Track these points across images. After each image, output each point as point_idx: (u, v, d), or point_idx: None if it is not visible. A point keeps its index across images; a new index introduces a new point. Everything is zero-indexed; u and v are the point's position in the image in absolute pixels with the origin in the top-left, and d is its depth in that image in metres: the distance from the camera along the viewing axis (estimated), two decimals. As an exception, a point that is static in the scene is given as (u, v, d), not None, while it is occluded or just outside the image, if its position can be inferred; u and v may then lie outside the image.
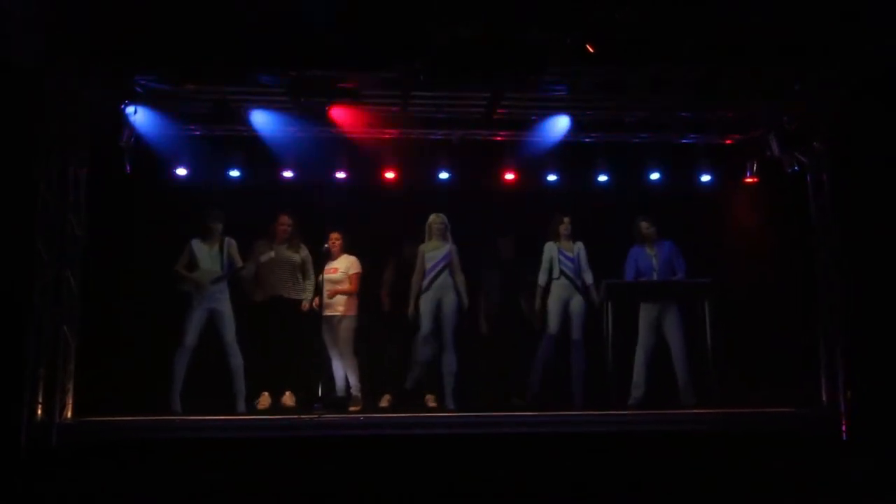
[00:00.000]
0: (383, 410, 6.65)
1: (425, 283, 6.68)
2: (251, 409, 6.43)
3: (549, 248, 6.90)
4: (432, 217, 6.78)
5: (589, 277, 6.85)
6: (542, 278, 6.84)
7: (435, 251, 6.71)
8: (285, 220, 6.77)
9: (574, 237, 6.92)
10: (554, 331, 6.76)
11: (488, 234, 7.29)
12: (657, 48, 5.54)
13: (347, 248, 6.85)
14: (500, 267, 7.10)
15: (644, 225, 6.94)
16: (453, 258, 6.72)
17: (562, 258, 6.84)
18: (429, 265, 6.69)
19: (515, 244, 7.15)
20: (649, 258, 6.91)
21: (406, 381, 6.68)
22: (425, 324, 6.61)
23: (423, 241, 6.82)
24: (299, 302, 6.76)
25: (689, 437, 5.77)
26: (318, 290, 6.73)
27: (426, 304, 6.64)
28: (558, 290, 6.81)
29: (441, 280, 6.65)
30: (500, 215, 7.45)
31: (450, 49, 5.31)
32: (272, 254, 6.56)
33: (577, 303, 6.80)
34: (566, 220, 6.91)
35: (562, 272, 6.82)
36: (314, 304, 6.76)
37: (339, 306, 6.73)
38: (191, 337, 6.31)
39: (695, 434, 5.81)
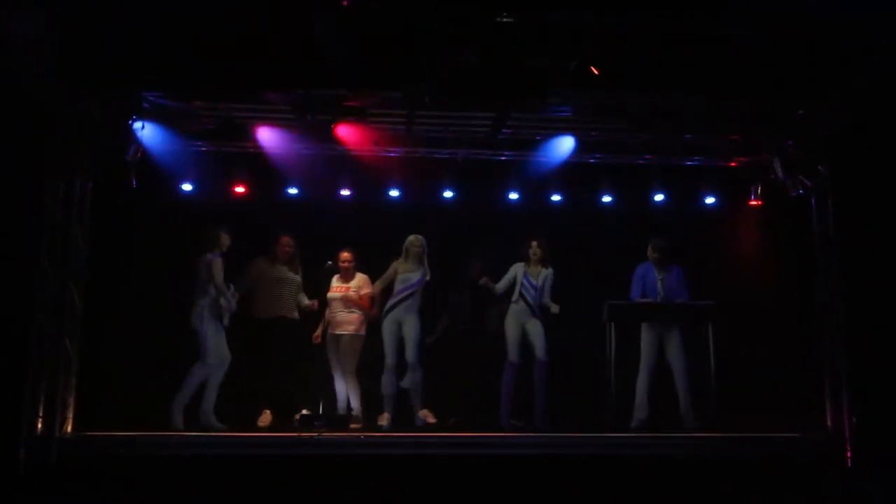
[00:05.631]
0: (381, 429, 6.61)
1: (391, 302, 6.67)
2: (253, 426, 6.40)
3: (516, 268, 6.85)
4: (411, 238, 6.76)
5: (555, 309, 6.78)
6: (500, 286, 6.80)
7: (410, 274, 6.69)
8: (287, 241, 6.78)
9: (545, 262, 6.86)
10: (514, 358, 6.72)
11: (489, 253, 7.28)
12: (659, 76, 5.57)
13: (359, 267, 6.84)
14: (469, 288, 7.07)
15: (650, 248, 6.92)
16: (425, 283, 6.70)
17: (525, 282, 6.79)
18: (400, 286, 6.67)
19: (482, 265, 7.09)
20: (656, 280, 6.88)
21: (379, 420, 6.60)
22: (389, 356, 6.60)
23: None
24: (298, 321, 6.76)
25: (691, 462, 5.72)
26: (325, 307, 6.78)
27: (388, 332, 6.63)
28: (515, 314, 6.77)
29: (408, 304, 6.64)
30: (502, 234, 7.44)
31: (453, 73, 5.35)
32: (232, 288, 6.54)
33: (532, 326, 6.75)
34: (534, 243, 6.86)
35: (521, 296, 6.77)
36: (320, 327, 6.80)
37: (347, 325, 6.72)
38: (226, 352, 6.36)
39: (697, 458, 5.76)
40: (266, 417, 6.52)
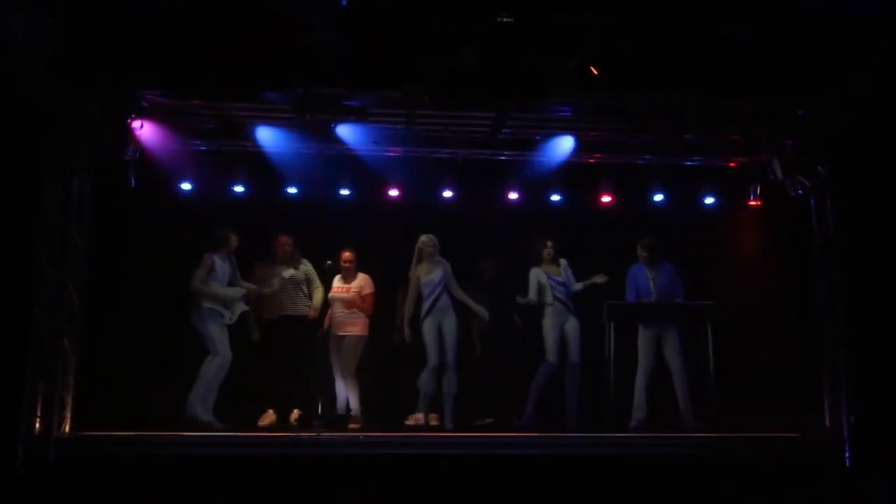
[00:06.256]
0: (382, 430, 6.61)
1: (426, 306, 6.59)
2: (252, 426, 6.39)
3: (537, 274, 6.84)
4: (423, 239, 6.70)
5: (601, 278, 6.81)
6: (532, 297, 6.81)
7: (431, 274, 6.62)
8: (285, 240, 6.78)
9: (557, 258, 6.88)
10: (553, 358, 6.73)
11: (490, 252, 7.28)
12: (659, 76, 5.57)
13: (360, 267, 6.83)
14: (484, 288, 7.05)
15: (639, 248, 6.93)
16: (450, 278, 6.65)
17: (552, 283, 6.81)
18: (426, 290, 6.60)
19: (496, 265, 7.13)
20: (647, 280, 6.89)
21: (412, 418, 6.54)
22: (432, 356, 6.52)
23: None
24: (304, 318, 6.75)
25: (690, 461, 5.72)
26: (327, 307, 6.78)
27: (429, 332, 6.56)
28: (553, 316, 6.79)
29: (441, 302, 6.58)
30: (502, 234, 7.44)
31: (453, 73, 5.35)
32: (286, 275, 6.58)
33: (570, 325, 6.79)
34: (549, 243, 6.87)
35: (555, 297, 6.80)
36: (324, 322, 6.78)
37: (349, 326, 6.70)
38: (228, 351, 6.32)
39: (695, 458, 5.76)
40: (269, 417, 6.50)
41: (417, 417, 6.53)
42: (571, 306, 6.82)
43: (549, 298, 6.80)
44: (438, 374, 6.53)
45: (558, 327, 6.78)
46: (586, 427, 6.46)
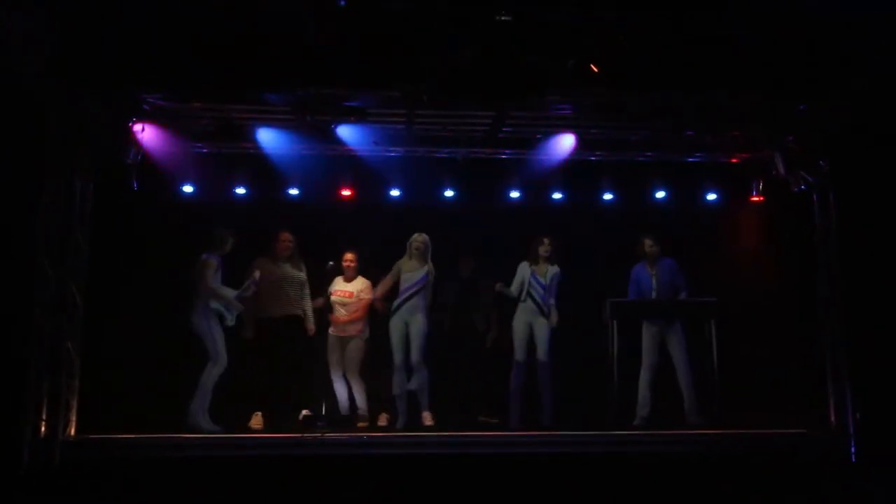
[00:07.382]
0: (382, 429, 6.62)
1: (397, 302, 6.63)
2: (244, 429, 6.37)
3: (523, 269, 6.81)
4: (415, 236, 6.71)
5: (553, 320, 6.74)
6: (513, 290, 6.79)
7: (413, 273, 6.64)
8: (287, 237, 6.72)
9: (552, 259, 6.82)
10: (521, 357, 6.69)
11: (492, 251, 7.28)
12: (659, 75, 5.55)
13: (362, 270, 6.83)
14: (460, 285, 7.08)
15: (648, 243, 6.89)
16: (430, 280, 6.65)
17: (532, 281, 6.76)
18: (404, 285, 6.63)
19: (474, 263, 7.15)
20: (650, 277, 6.88)
21: (380, 421, 6.66)
22: (396, 355, 6.57)
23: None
24: (302, 319, 6.73)
25: (693, 459, 5.73)
26: (328, 307, 6.80)
27: (394, 331, 6.60)
28: (523, 313, 6.75)
29: (413, 303, 6.59)
30: (502, 232, 7.44)
31: (452, 72, 5.34)
32: (257, 276, 6.48)
33: (539, 325, 6.72)
34: (546, 240, 6.81)
35: (529, 295, 6.74)
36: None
37: (348, 328, 6.72)
38: (225, 355, 6.29)
39: (698, 455, 5.77)
40: (257, 419, 6.44)
41: (393, 417, 6.63)
42: (546, 310, 6.74)
43: (522, 295, 6.76)
44: (407, 373, 6.56)
45: (527, 326, 6.72)
46: (589, 425, 6.45)
